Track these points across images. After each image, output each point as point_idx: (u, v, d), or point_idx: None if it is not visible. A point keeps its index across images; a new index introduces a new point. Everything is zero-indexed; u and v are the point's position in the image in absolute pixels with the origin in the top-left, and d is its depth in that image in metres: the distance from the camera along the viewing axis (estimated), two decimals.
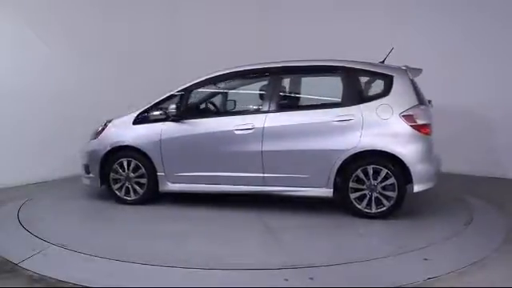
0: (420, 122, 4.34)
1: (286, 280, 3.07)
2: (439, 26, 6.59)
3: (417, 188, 4.33)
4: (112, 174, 5.09)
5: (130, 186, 5.05)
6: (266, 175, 4.64)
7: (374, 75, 4.68)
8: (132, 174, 5.03)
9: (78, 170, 5.84)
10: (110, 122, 5.31)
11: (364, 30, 6.83)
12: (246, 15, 7.86)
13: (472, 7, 6.37)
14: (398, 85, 4.46)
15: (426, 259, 3.38)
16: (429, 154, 4.39)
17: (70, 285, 3.03)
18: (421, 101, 4.48)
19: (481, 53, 6.30)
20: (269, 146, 4.59)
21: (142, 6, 7.62)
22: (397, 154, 4.31)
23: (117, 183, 5.09)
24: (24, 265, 3.36)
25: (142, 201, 5.04)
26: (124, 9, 7.32)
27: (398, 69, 4.58)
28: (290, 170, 4.58)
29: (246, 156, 4.66)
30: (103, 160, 5.11)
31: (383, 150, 4.34)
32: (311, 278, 3.07)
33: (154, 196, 5.04)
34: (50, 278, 3.14)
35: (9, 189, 5.81)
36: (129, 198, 5.07)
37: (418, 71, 4.74)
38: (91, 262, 3.42)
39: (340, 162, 4.41)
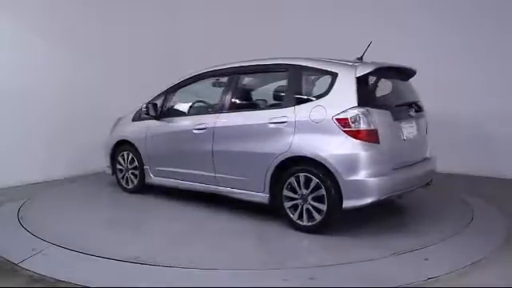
0: (356, 126, 3.79)
1: (286, 280, 3.07)
2: (438, 28, 6.57)
3: (346, 204, 3.79)
4: (117, 165, 5.71)
5: (128, 176, 5.59)
6: (216, 175, 4.65)
7: (319, 73, 4.26)
8: (129, 166, 5.56)
9: (78, 170, 5.87)
10: (120, 119, 5.87)
11: (364, 30, 6.83)
12: (245, 15, 7.86)
13: (471, 9, 6.36)
14: (340, 84, 3.96)
15: (426, 259, 3.38)
16: (368, 165, 3.77)
17: (69, 285, 3.04)
18: (364, 103, 3.85)
19: (480, 53, 6.27)
20: (218, 146, 4.60)
21: (142, 6, 7.61)
22: (324, 163, 3.84)
23: (121, 173, 5.69)
24: (24, 265, 3.37)
25: (137, 190, 5.52)
26: (124, 9, 7.32)
27: (345, 65, 4.09)
28: (233, 171, 4.52)
29: (202, 155, 4.73)
30: (113, 152, 5.74)
31: (311, 156, 3.92)
32: (311, 278, 3.08)
33: (144, 187, 5.49)
34: (50, 277, 3.14)
35: (9, 189, 5.82)
36: (128, 187, 5.64)
37: (402, 71, 4.41)
38: (91, 261, 3.42)
39: (273, 167, 4.14)
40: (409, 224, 4.36)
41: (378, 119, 3.87)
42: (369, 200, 3.77)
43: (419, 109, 4.50)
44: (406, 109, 4.29)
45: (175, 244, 3.85)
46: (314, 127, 3.95)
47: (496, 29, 6.19)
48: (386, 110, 4.01)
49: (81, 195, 5.72)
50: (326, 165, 3.82)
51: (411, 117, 4.29)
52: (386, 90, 4.44)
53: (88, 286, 3.01)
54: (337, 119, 3.84)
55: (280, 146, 4.10)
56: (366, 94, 3.94)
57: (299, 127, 4.03)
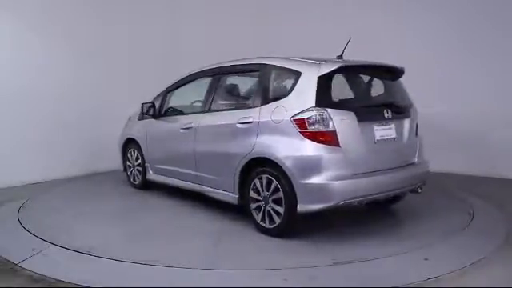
0: (313, 128, 3.65)
1: (286, 280, 3.07)
2: (435, 26, 6.58)
3: (300, 207, 3.66)
4: (127, 162, 6.04)
5: (134, 173, 5.89)
6: (198, 174, 4.74)
7: (286, 72, 4.09)
8: (135, 163, 5.86)
9: (78, 170, 5.85)
10: (131, 117, 6.08)
11: (363, 30, 6.83)
12: (245, 15, 7.86)
13: (469, 8, 6.36)
14: (302, 83, 3.83)
15: (426, 259, 3.38)
16: (324, 168, 3.61)
17: (70, 285, 3.04)
18: (323, 103, 3.70)
19: (478, 52, 6.27)
20: (198, 146, 4.69)
21: (142, 6, 7.61)
22: (280, 164, 3.76)
23: (129, 169, 6.00)
24: (24, 265, 3.37)
25: (142, 186, 5.79)
26: (124, 9, 7.32)
27: (310, 64, 3.94)
28: (210, 170, 4.58)
29: (187, 154, 4.83)
30: (123, 149, 6.08)
31: (270, 158, 3.86)
32: (311, 278, 3.08)
33: (148, 183, 5.72)
34: (50, 277, 3.14)
35: (9, 189, 5.82)
36: (134, 183, 5.94)
37: (384, 70, 4.26)
38: (91, 261, 3.43)
39: (240, 168, 4.12)
40: (409, 224, 4.35)
41: (339, 121, 3.69)
42: (323, 205, 3.62)
43: (401, 110, 4.18)
44: (380, 110, 4.01)
45: (135, 239, 3.97)
46: (275, 128, 3.87)
47: (497, 28, 6.19)
48: (350, 110, 3.78)
49: (81, 195, 5.72)
50: (282, 167, 3.73)
51: (387, 118, 4.00)
52: (356, 90, 4.32)
53: (88, 285, 3.01)
54: (294, 120, 3.73)
55: (245, 147, 4.07)
56: (326, 93, 3.77)
57: (262, 128, 3.98)
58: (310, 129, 3.65)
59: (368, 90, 4.36)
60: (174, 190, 5.36)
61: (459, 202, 5.04)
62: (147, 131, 5.58)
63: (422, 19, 6.68)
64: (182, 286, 3.04)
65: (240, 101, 4.71)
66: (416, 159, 4.30)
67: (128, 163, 6.03)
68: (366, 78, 4.40)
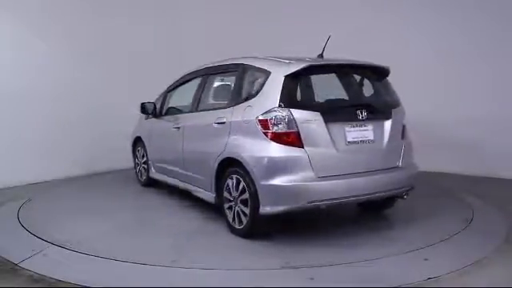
0: (275, 128, 3.59)
1: (286, 280, 3.07)
2: (438, 25, 6.58)
3: (261, 209, 3.60)
4: (135, 159, 6.26)
5: (141, 170, 6.08)
6: (186, 172, 4.83)
7: (258, 72, 4.03)
8: (141, 160, 6.04)
9: (78, 169, 5.83)
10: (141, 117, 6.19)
11: (363, 30, 6.84)
12: (245, 15, 7.86)
13: (473, 7, 6.36)
14: (270, 83, 3.77)
15: (426, 259, 3.38)
16: (285, 170, 3.53)
17: (70, 285, 3.03)
18: (288, 103, 3.62)
19: (478, 53, 6.27)
20: (185, 145, 4.79)
21: (142, 6, 7.62)
22: (245, 165, 3.73)
23: (137, 166, 6.21)
24: (24, 265, 3.37)
25: (147, 184, 5.94)
26: (124, 9, 7.32)
27: (279, 63, 3.89)
28: (193, 169, 4.66)
29: (178, 153, 4.92)
30: (133, 147, 6.29)
31: (237, 158, 3.84)
32: (311, 278, 3.08)
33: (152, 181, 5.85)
34: (50, 278, 3.14)
35: (9, 189, 5.82)
36: (141, 180, 6.12)
37: (367, 69, 4.16)
38: (91, 261, 3.43)
39: (215, 168, 4.12)
40: (408, 224, 4.34)
41: (303, 121, 3.59)
42: (285, 207, 3.56)
43: (379, 111, 3.99)
44: (353, 110, 3.83)
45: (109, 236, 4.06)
46: (244, 128, 3.85)
47: (499, 28, 6.19)
48: (316, 111, 3.66)
49: (81, 195, 5.71)
50: (247, 167, 3.71)
51: (361, 119, 3.82)
52: (328, 90, 4.26)
53: (88, 285, 3.01)
54: (259, 120, 3.69)
55: (219, 147, 4.07)
56: (292, 93, 3.70)
57: (233, 128, 3.98)
58: (273, 129, 3.60)
59: (342, 90, 4.25)
60: (175, 189, 5.34)
61: (459, 201, 5.03)
62: (150, 130, 5.75)
63: (422, 19, 6.68)
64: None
65: (219, 101, 4.68)
66: (400, 163, 4.05)
67: (136, 161, 6.24)
68: (342, 78, 4.30)
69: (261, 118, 3.67)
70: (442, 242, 3.74)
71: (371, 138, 3.89)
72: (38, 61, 6.31)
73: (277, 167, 3.56)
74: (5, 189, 5.79)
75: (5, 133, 5.96)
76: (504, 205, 4.79)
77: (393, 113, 4.06)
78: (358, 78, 4.29)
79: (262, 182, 3.58)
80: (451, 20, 6.48)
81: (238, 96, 4.13)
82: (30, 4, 6.19)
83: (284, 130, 3.58)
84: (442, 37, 6.52)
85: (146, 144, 5.86)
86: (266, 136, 3.63)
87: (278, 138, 3.59)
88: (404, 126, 4.19)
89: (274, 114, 3.61)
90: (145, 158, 5.93)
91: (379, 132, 3.95)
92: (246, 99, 3.98)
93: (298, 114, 3.60)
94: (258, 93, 3.88)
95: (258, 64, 4.09)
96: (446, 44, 6.48)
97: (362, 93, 4.23)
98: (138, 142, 6.14)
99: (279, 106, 3.61)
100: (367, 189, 3.79)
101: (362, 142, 3.85)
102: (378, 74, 4.24)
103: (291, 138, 3.57)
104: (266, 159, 3.60)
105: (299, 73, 3.73)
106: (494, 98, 6.21)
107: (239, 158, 3.82)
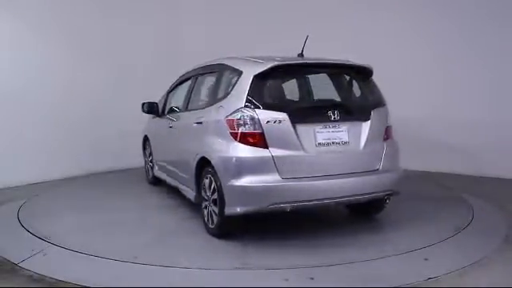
0: (240, 129, 3.57)
1: (286, 280, 3.07)
2: (435, 27, 6.57)
3: (227, 210, 3.58)
4: (144, 158, 6.43)
5: (148, 168, 6.25)
6: (176, 170, 4.90)
7: (233, 72, 4.01)
8: (148, 159, 6.21)
9: (78, 170, 5.81)
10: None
11: (363, 30, 6.84)
12: (245, 15, 7.87)
13: (471, 6, 6.36)
14: (240, 83, 3.76)
15: (426, 259, 3.38)
16: (248, 170, 3.50)
17: (69, 285, 3.03)
18: (254, 103, 3.59)
19: (473, 53, 6.27)
20: (176, 144, 4.89)
21: (143, 6, 7.62)
22: (214, 165, 3.73)
23: (145, 164, 6.41)
24: (24, 265, 3.37)
25: (152, 182, 6.11)
26: (124, 9, 7.32)
27: (252, 63, 3.87)
28: (180, 168, 4.75)
29: (170, 151, 5.05)
30: (143, 145, 6.44)
31: (208, 158, 3.85)
32: (311, 278, 3.08)
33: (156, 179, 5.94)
34: (50, 278, 3.14)
35: (9, 189, 5.82)
36: (148, 178, 6.28)
37: (351, 69, 4.08)
38: (91, 261, 3.43)
39: (194, 167, 4.13)
40: (408, 223, 4.33)
41: (269, 122, 3.54)
42: (247, 208, 3.52)
43: (356, 112, 3.87)
44: (324, 111, 3.73)
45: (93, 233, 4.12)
46: (215, 128, 3.85)
47: (496, 31, 6.19)
48: (283, 111, 3.59)
49: (81, 195, 5.72)
50: (215, 167, 3.71)
51: (334, 120, 3.71)
52: (299, 90, 4.24)
53: (87, 285, 3.01)
54: (226, 121, 3.68)
55: (197, 146, 4.09)
56: (259, 93, 3.65)
57: (208, 128, 3.99)
58: (239, 130, 3.58)
59: (317, 90, 4.22)
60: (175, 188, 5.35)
61: (459, 201, 5.03)
62: (154, 129, 5.91)
63: (422, 19, 6.68)
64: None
65: (202, 101, 4.71)
66: (380, 166, 3.86)
67: (145, 159, 6.42)
68: (317, 78, 4.27)
69: (228, 118, 3.68)
70: (442, 242, 3.74)
71: (345, 139, 3.76)
72: (37, 61, 6.31)
73: (241, 168, 3.53)
74: (5, 189, 5.79)
75: (5, 133, 5.96)
76: (504, 204, 4.79)
77: (373, 113, 3.90)
78: (336, 78, 4.22)
79: (227, 183, 3.57)
80: (449, 22, 6.47)
81: (215, 96, 4.17)
82: (30, 4, 6.18)
83: (249, 131, 3.56)
84: (439, 39, 6.51)
85: (151, 143, 6.04)
86: (232, 136, 3.62)
87: (243, 138, 3.57)
88: (388, 128, 4.03)
89: (239, 114, 3.61)
90: (151, 157, 6.06)
91: (355, 133, 3.81)
92: (221, 99, 3.99)
93: (263, 114, 3.56)
94: (229, 93, 3.88)
95: (233, 64, 4.08)
96: (444, 46, 6.48)
97: (337, 93, 4.17)
98: (146, 140, 6.31)
99: (245, 106, 3.60)
100: (338, 192, 3.67)
101: (335, 143, 3.72)
102: (360, 73, 4.12)
103: (256, 138, 3.54)
104: (230, 159, 3.59)
105: (267, 72, 3.68)
106: (494, 99, 6.21)
107: (210, 158, 3.83)
